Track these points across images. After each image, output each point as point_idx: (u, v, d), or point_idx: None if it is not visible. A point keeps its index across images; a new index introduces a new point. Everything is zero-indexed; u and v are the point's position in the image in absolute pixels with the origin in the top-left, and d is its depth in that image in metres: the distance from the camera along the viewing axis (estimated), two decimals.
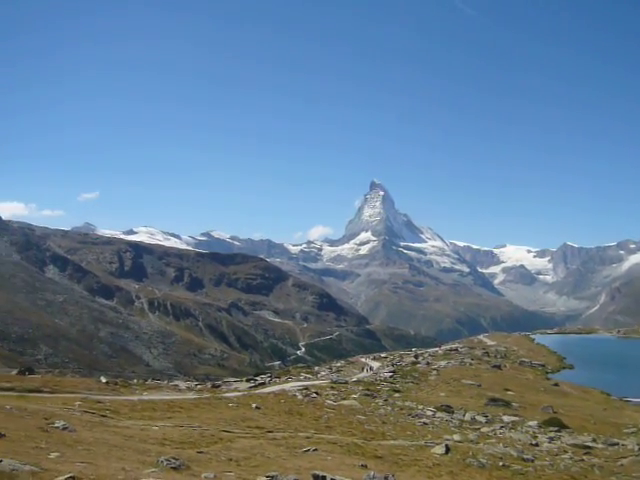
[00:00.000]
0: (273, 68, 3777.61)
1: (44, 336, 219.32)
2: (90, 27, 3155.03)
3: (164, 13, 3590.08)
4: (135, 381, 63.45)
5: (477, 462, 29.31)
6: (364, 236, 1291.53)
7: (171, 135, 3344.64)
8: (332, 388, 59.71)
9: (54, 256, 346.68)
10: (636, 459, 35.63)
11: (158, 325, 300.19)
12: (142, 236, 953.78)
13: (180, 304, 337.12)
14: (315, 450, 26.83)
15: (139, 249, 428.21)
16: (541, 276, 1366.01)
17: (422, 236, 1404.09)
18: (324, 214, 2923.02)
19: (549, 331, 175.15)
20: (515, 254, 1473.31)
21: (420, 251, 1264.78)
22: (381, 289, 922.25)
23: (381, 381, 69.53)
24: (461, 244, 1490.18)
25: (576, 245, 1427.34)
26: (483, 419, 49.39)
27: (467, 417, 49.85)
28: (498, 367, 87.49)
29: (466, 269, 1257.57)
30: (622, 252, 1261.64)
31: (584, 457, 35.62)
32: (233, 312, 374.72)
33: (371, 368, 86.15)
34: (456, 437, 38.45)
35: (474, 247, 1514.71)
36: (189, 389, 54.70)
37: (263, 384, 61.88)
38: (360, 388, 61.38)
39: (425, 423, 44.35)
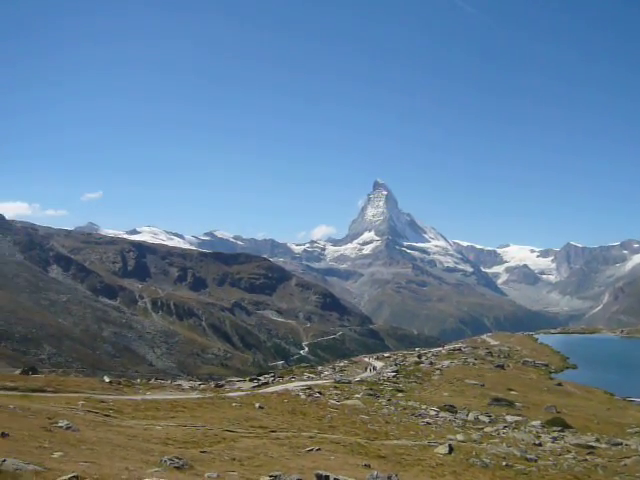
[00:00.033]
0: (276, 68, 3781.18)
1: (47, 336, 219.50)
2: (91, 27, 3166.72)
3: (164, 12, 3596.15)
4: (138, 381, 63.54)
5: (480, 462, 29.30)
6: (367, 236, 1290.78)
7: (174, 135, 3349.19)
8: (335, 388, 59.74)
9: (57, 256, 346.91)
10: (639, 459, 35.58)
11: (161, 325, 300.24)
12: (145, 236, 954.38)
13: (183, 304, 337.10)
14: (318, 450, 26.83)
15: (142, 249, 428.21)
16: (544, 276, 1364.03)
17: (425, 236, 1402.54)
18: (327, 214, 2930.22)
19: (552, 331, 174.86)
20: (518, 254, 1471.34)
21: (423, 251, 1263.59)
22: (384, 289, 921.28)
23: (384, 381, 69.55)
24: (464, 244, 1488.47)
25: (579, 245, 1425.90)
26: (486, 419, 49.36)
27: (470, 417, 49.84)
28: (501, 367, 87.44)
29: (469, 269, 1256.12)
30: (625, 252, 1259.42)
31: (587, 457, 35.58)
32: (236, 312, 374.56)
33: (374, 368, 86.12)
34: (459, 437, 38.44)
35: (477, 247, 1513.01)
36: (192, 389, 54.76)
37: (266, 384, 61.92)
38: (363, 388, 61.39)
39: (428, 423, 44.35)
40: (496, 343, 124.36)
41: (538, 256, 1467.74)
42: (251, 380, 65.69)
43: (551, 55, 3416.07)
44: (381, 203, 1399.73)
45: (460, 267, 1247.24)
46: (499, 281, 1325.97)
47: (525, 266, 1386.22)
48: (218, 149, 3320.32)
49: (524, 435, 42.79)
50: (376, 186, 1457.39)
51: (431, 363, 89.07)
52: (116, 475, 15.69)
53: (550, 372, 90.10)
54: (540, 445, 39.38)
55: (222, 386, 59.92)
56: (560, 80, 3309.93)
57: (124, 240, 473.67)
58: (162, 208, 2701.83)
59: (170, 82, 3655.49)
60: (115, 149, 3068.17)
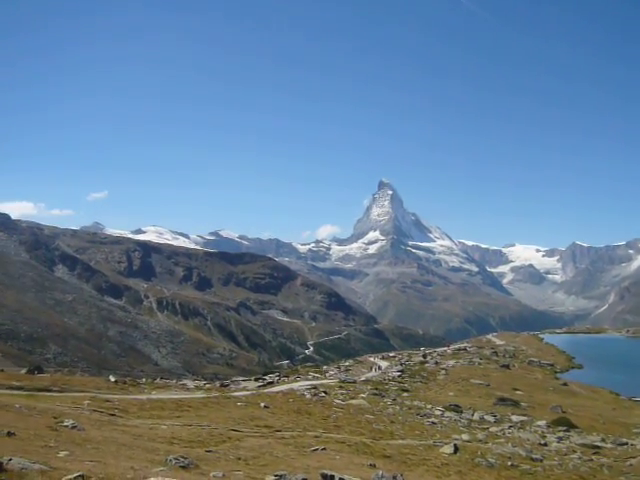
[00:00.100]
0: (283, 66, 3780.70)
1: (53, 335, 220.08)
2: (91, 26, 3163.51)
3: (164, 11, 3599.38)
4: (144, 380, 63.61)
5: (486, 462, 29.28)
6: (372, 235, 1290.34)
7: (180, 134, 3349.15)
8: (340, 387, 59.75)
9: (63, 255, 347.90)
10: None
11: (167, 324, 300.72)
12: (150, 235, 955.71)
13: (189, 303, 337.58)
14: (324, 449, 26.85)
15: (148, 248, 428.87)
16: (550, 275, 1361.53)
17: (430, 235, 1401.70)
18: (332, 213, 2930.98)
19: (558, 330, 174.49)
20: (524, 253, 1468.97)
21: (429, 250, 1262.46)
22: (389, 288, 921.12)
23: (389, 380, 69.54)
24: (470, 243, 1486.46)
25: (585, 244, 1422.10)
26: (492, 419, 49.34)
27: (476, 417, 49.82)
28: (507, 367, 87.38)
29: (475, 268, 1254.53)
30: (631, 251, 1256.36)
31: (593, 457, 35.54)
32: (242, 311, 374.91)
33: (379, 367, 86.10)
34: (465, 437, 38.44)
35: (483, 246, 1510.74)
36: (197, 388, 54.80)
37: (271, 383, 61.93)
38: (368, 387, 61.39)
39: (434, 423, 44.34)
40: (501, 343, 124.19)
41: (544, 256, 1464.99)
42: (256, 380, 65.70)
43: (560, 54, 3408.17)
44: (386, 203, 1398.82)
45: (465, 267, 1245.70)
46: (504, 281, 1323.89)
47: (530, 266, 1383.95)
48: (223, 148, 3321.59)
49: (529, 435, 42.76)
50: (381, 186, 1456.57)
51: (436, 363, 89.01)
52: (122, 474, 15.71)
53: (556, 372, 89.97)
54: (546, 445, 39.35)
55: (227, 385, 59.94)
56: (565, 79, 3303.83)
57: (129, 240, 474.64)
58: (167, 208, 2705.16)
59: (176, 81, 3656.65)
60: (120, 149, 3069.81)
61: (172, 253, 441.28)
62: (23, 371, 57.27)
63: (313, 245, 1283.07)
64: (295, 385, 59.64)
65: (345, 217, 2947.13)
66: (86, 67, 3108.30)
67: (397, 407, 50.76)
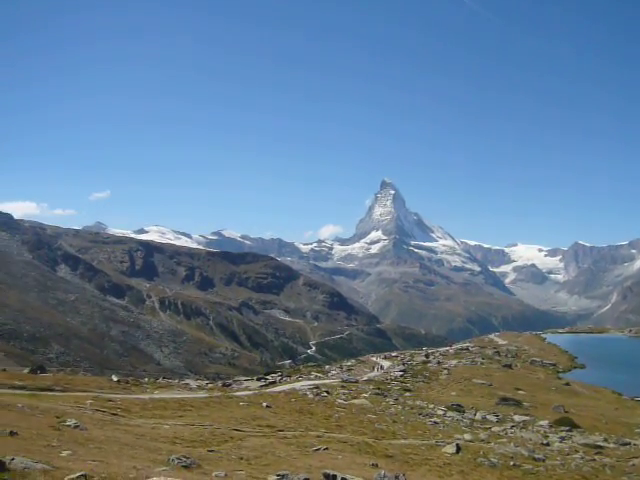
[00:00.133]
0: (287, 66, 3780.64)
1: (56, 335, 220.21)
2: (91, 24, 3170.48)
3: (164, 9, 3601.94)
4: (146, 380, 63.67)
5: (488, 461, 29.27)
6: (375, 235, 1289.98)
7: (182, 134, 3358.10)
8: (343, 387, 59.75)
9: (65, 255, 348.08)
10: None
11: (169, 324, 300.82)
12: (153, 235, 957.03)
13: (191, 303, 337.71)
14: (326, 449, 26.85)
15: (150, 248, 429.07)
16: (552, 275, 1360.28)
17: (433, 235, 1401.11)
18: (335, 213, 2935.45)
19: (560, 330, 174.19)
20: (526, 253, 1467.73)
21: (431, 250, 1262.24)
22: (392, 288, 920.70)
23: (392, 380, 69.51)
24: (472, 243, 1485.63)
25: (588, 244, 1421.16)
26: (494, 418, 49.32)
27: (478, 416, 49.80)
28: (509, 366, 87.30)
29: (477, 268, 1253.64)
30: (634, 251, 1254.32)
31: (595, 457, 35.51)
32: (244, 311, 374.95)
33: (382, 367, 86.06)
34: (467, 436, 38.42)
35: (485, 246, 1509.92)
36: (200, 388, 54.83)
37: (274, 383, 61.95)
38: (371, 387, 61.39)
39: (436, 422, 44.33)
40: (504, 343, 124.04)
41: (546, 255, 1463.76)
42: (258, 379, 65.71)
43: (562, 54, 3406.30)
44: (388, 202, 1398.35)
45: (468, 266, 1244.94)
46: (507, 280, 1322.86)
47: (533, 265, 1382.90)
48: (226, 148, 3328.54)
49: (532, 435, 42.74)
50: (383, 185, 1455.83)
51: (439, 362, 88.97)
52: (124, 474, 15.73)
53: (558, 372, 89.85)
54: (548, 445, 39.32)
55: (229, 385, 59.96)
56: (569, 79, 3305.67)
57: (132, 239, 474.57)
58: (170, 207, 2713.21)
59: (174, 80, 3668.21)
60: (122, 148, 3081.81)
61: (174, 253, 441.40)
62: (26, 371, 57.31)
63: (315, 245, 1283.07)
64: (297, 385, 59.65)
65: (347, 217, 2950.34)
66: (88, 66, 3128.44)
67: (399, 407, 50.76)
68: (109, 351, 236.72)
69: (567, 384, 76.88)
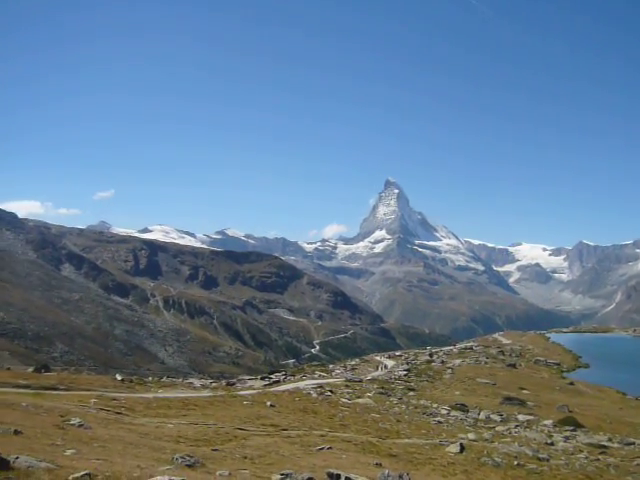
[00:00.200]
0: (286, 65, 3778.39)
1: (60, 334, 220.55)
2: (93, 22, 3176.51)
3: (165, 9, 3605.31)
4: (150, 379, 63.73)
5: (492, 461, 29.22)
6: (379, 234, 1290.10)
7: (186, 133, 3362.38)
8: (347, 386, 59.76)
9: (70, 254, 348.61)
10: None
11: (173, 323, 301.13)
12: (157, 234, 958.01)
13: (195, 302, 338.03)
14: (330, 448, 26.83)
15: (154, 247, 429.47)
16: (556, 274, 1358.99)
17: (437, 234, 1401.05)
18: (339, 212, 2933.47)
19: (564, 330, 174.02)
20: (530, 252, 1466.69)
21: (435, 249, 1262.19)
22: (396, 287, 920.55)
23: (396, 379, 69.52)
24: (476, 242, 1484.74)
25: (592, 243, 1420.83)
26: (498, 418, 49.28)
27: (482, 416, 49.76)
28: (513, 366, 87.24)
29: (481, 267, 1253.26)
30: (638, 250, 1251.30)
31: (600, 456, 35.44)
32: (248, 310, 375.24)
33: (386, 366, 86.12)
34: (471, 436, 38.37)
35: (489, 245, 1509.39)
36: (204, 387, 54.83)
37: (278, 382, 61.94)
38: (375, 386, 61.39)
39: (440, 422, 44.31)
40: (508, 342, 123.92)
41: (550, 255, 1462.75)
42: (262, 378, 65.70)
43: (564, 54, 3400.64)
44: (392, 202, 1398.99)
45: (472, 266, 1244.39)
46: (511, 280, 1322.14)
47: (537, 265, 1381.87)
48: (230, 147, 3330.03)
49: (536, 434, 42.67)
50: (387, 185, 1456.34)
51: (442, 362, 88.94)
52: (128, 473, 15.72)
53: (562, 371, 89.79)
54: (552, 444, 39.26)
55: (233, 384, 59.98)
56: (573, 79, 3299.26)
57: (136, 239, 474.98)
58: (173, 207, 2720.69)
59: (176, 78, 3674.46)
60: (126, 148, 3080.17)
61: (178, 252, 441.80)
62: (30, 369, 57.39)
63: (319, 244, 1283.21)
64: (301, 384, 59.67)
65: (351, 216, 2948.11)
66: (88, 64, 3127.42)
67: (403, 406, 50.75)
68: (113, 350, 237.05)
69: (571, 383, 76.82)
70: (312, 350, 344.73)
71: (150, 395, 41.88)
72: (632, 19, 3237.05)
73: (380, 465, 24.13)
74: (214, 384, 59.44)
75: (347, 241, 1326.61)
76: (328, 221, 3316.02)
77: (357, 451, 27.84)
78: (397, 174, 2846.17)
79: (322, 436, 30.90)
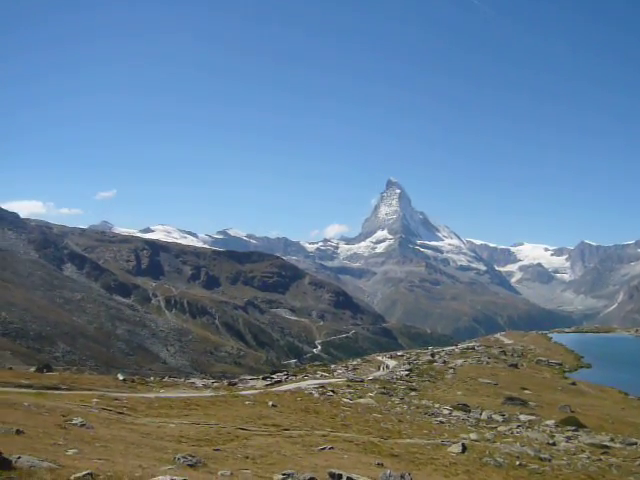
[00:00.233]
0: (287, 64, 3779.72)
1: (62, 333, 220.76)
2: (93, 23, 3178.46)
3: (165, 8, 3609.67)
4: (152, 378, 63.77)
5: (494, 461, 29.22)
6: (380, 234, 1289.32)
7: (189, 133, 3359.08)
8: (348, 386, 59.75)
9: (72, 254, 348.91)
10: None
11: (175, 323, 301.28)
12: (159, 234, 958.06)
13: (197, 302, 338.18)
14: (331, 448, 26.83)
15: (156, 247, 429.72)
16: (558, 274, 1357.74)
17: (439, 234, 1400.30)
18: (340, 212, 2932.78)
19: (566, 330, 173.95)
20: (532, 252, 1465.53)
21: (437, 249, 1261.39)
22: (397, 287, 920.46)
23: (397, 379, 69.47)
24: (478, 242, 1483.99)
25: (594, 243, 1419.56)
26: (500, 418, 49.25)
27: (484, 416, 49.74)
28: (515, 366, 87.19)
29: (483, 267, 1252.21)
30: None
31: (602, 457, 35.43)
32: (249, 310, 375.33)
33: (387, 366, 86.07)
34: (473, 436, 38.35)
35: (491, 245, 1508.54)
36: (206, 387, 54.85)
37: (279, 382, 61.95)
38: (376, 386, 61.37)
39: (442, 422, 44.31)
40: (510, 342, 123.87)
41: (552, 255, 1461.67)
42: (264, 378, 65.72)
43: (566, 53, 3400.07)
44: (394, 202, 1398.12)
45: (473, 266, 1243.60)
46: (513, 280, 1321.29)
47: (539, 265, 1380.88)
48: (232, 147, 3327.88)
49: (538, 434, 42.65)
50: (389, 185, 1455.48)
51: (444, 362, 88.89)
52: (130, 472, 15.73)
53: (564, 371, 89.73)
54: (554, 444, 39.24)
55: (235, 384, 60.00)
56: (575, 78, 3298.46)
57: (138, 238, 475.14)
58: (175, 206, 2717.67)
59: (177, 78, 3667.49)
60: (128, 147, 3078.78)
61: (180, 252, 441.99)
62: (32, 369, 57.49)
63: (321, 244, 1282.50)
64: (303, 384, 59.67)
65: (353, 216, 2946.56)
66: (90, 64, 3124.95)
67: (405, 406, 50.75)
68: (115, 350, 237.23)
69: (573, 384, 76.78)
70: (314, 350, 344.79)
71: (152, 395, 41.91)
72: (633, 19, 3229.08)
73: (382, 465, 24.13)
74: (216, 384, 59.45)
75: (349, 241, 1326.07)
76: (330, 221, 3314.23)
77: (359, 451, 27.85)
78: (399, 174, 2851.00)
79: (324, 436, 30.91)
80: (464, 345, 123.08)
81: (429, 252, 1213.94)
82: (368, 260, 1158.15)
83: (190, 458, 19.23)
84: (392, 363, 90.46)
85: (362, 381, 65.52)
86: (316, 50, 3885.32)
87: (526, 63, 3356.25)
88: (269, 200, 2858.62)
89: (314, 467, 21.42)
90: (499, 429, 43.90)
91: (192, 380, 63.80)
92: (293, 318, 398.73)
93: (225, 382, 63.15)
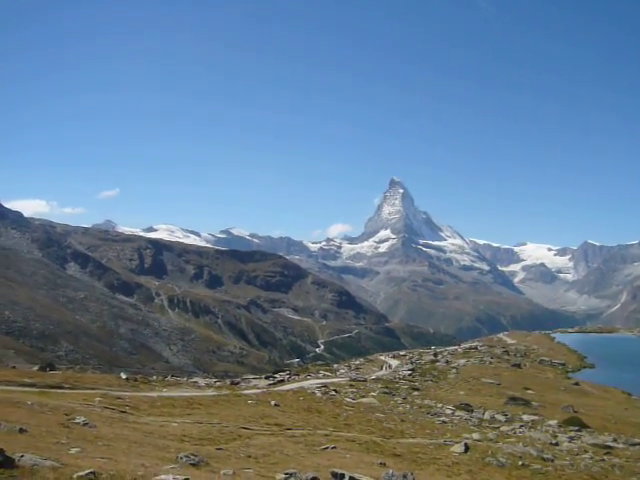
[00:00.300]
0: (288, 63, 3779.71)
1: (65, 332, 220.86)
2: (94, 20, 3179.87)
3: (165, 6, 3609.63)
4: (155, 377, 63.81)
5: (496, 461, 29.20)
6: (383, 234, 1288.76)
7: (191, 132, 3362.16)
8: (351, 386, 59.79)
9: (75, 253, 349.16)
10: None
11: (177, 322, 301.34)
12: (162, 233, 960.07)
13: (199, 301, 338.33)
14: (334, 448, 26.84)
15: (159, 246, 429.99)
16: (562, 274, 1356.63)
17: (442, 234, 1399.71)
18: (343, 212, 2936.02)
19: (569, 330, 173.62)
20: (535, 252, 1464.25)
21: (440, 249, 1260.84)
22: (400, 287, 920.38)
23: (400, 379, 69.49)
24: (481, 242, 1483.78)
25: (597, 243, 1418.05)
26: (503, 418, 49.21)
27: (486, 416, 49.71)
28: (518, 366, 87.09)
29: (486, 267, 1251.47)
30: None
31: (605, 457, 35.38)
32: (252, 309, 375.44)
33: (390, 366, 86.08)
34: (475, 436, 38.33)
35: (494, 245, 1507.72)
36: (208, 386, 54.87)
37: (282, 381, 61.99)
38: (379, 386, 61.40)
39: (444, 421, 44.31)
40: (513, 342, 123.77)
41: (555, 255, 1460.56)
42: (267, 378, 65.77)
43: (569, 54, 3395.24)
44: (397, 201, 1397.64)
45: (477, 265, 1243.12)
46: (516, 280, 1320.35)
47: (542, 265, 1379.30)
48: (235, 146, 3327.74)
49: (541, 434, 42.61)
50: (392, 184, 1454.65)
51: (447, 362, 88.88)
52: (132, 471, 15.74)
53: (567, 371, 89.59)
54: (557, 445, 39.20)
55: (238, 383, 60.06)
56: (577, 79, 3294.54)
57: (141, 238, 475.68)
58: (178, 206, 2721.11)
59: (179, 76, 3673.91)
60: (127, 146, 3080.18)
61: (183, 251, 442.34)
62: (35, 368, 57.52)
63: (324, 243, 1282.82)
64: (305, 383, 59.72)
65: (356, 216, 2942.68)
66: (91, 62, 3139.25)
67: (407, 406, 50.76)
68: (118, 349, 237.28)
69: (576, 384, 76.67)
70: (316, 349, 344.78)
71: (154, 394, 41.92)
72: (636, 19, 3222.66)
73: (384, 465, 24.13)
74: (218, 383, 59.49)
75: (352, 240, 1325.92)
76: (333, 220, 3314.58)
77: (361, 451, 27.85)
78: (402, 173, 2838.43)
79: (326, 435, 30.92)
80: (467, 345, 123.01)
81: (432, 252, 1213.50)
82: (371, 260, 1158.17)
83: (192, 457, 19.23)
84: (395, 363, 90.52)
85: (365, 381, 65.55)
86: (317, 48, 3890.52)
87: (528, 62, 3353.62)
88: (272, 199, 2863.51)
89: (316, 466, 21.42)
90: (502, 429, 43.87)
91: (195, 379, 63.83)
92: (296, 317, 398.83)
93: (228, 381, 63.23)
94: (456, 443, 32.48)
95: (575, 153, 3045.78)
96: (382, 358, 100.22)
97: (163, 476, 15.08)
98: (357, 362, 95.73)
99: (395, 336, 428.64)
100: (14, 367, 64.74)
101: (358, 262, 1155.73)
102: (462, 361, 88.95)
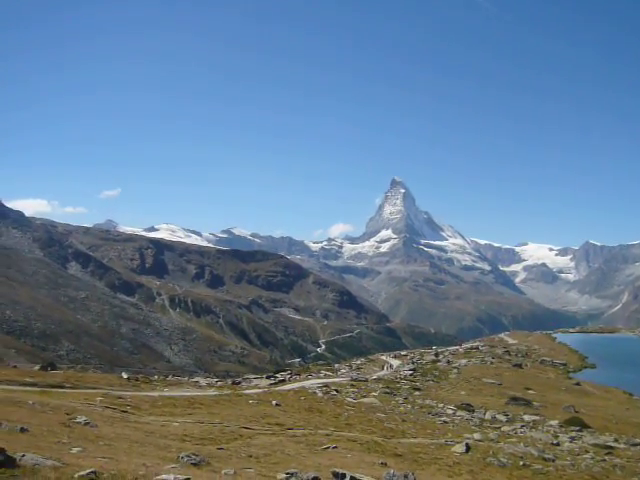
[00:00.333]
0: (288, 62, 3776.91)
1: (66, 332, 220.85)
2: (94, 20, 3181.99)
3: (165, 5, 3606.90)
4: (156, 377, 63.89)
5: (497, 461, 29.19)
6: (385, 234, 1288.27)
7: (192, 131, 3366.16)
8: (352, 386, 59.78)
9: (76, 253, 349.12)
10: None
11: (179, 322, 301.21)
12: (163, 233, 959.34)
13: (201, 301, 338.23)
14: (335, 447, 26.84)
15: (160, 246, 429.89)
16: (563, 274, 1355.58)
17: (443, 234, 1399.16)
18: (345, 212, 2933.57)
19: (571, 330, 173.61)
20: (537, 252, 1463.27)
21: (441, 249, 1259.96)
22: (402, 287, 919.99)
23: (401, 379, 69.49)
24: (482, 242, 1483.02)
25: (598, 243, 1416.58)
26: (504, 418, 49.21)
27: (488, 416, 49.70)
28: (519, 366, 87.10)
29: (487, 267, 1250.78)
30: None
31: (606, 457, 35.36)
32: (253, 309, 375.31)
33: (391, 366, 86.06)
34: (476, 436, 38.32)
35: (495, 245, 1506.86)
36: (209, 386, 54.90)
37: (283, 381, 61.99)
38: (380, 386, 61.38)
39: (445, 421, 44.29)
40: (514, 342, 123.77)
41: (557, 254, 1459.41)
42: (268, 377, 65.77)
43: (569, 54, 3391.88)
44: (398, 201, 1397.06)
45: (478, 265, 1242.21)
46: (517, 279, 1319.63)
47: (543, 265, 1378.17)
48: (235, 145, 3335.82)
49: (542, 435, 42.59)
50: (393, 184, 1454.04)
51: (448, 362, 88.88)
52: (134, 471, 15.73)
53: (568, 371, 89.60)
54: (558, 445, 39.19)
55: (239, 383, 60.08)
56: (578, 79, 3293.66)
57: (142, 237, 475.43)
58: (180, 205, 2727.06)
59: (180, 76, 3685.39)
60: (132, 146, 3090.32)
61: (184, 251, 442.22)
62: (36, 368, 57.58)
63: (325, 243, 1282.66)
64: (307, 383, 59.72)
65: (357, 215, 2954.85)
66: (91, 61, 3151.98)
67: (409, 406, 50.74)
68: (119, 348, 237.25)
69: (577, 384, 76.68)
70: (318, 349, 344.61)
71: (156, 394, 41.94)
72: (636, 18, 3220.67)
73: (385, 465, 24.12)
74: (220, 383, 59.52)
75: (353, 240, 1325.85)
76: (334, 220, 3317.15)
77: (362, 450, 27.85)
78: (403, 173, 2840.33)
79: (327, 435, 30.92)
80: (468, 345, 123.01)
81: (433, 252, 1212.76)
82: (372, 259, 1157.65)
83: (194, 457, 19.24)
84: (396, 363, 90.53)
85: (366, 380, 65.56)
86: (317, 48, 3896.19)
87: (529, 62, 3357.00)
88: (273, 199, 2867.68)
89: (318, 466, 21.42)
90: (503, 429, 43.85)
91: (196, 379, 63.87)
92: (297, 317, 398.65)
93: (229, 381, 63.25)
94: (457, 443, 32.48)
95: (575, 153, 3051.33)
96: (383, 358, 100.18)
97: (164, 476, 15.09)
98: (358, 362, 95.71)
99: (396, 336, 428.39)
100: (15, 366, 64.77)
101: (359, 262, 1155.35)
102: (463, 361, 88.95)
